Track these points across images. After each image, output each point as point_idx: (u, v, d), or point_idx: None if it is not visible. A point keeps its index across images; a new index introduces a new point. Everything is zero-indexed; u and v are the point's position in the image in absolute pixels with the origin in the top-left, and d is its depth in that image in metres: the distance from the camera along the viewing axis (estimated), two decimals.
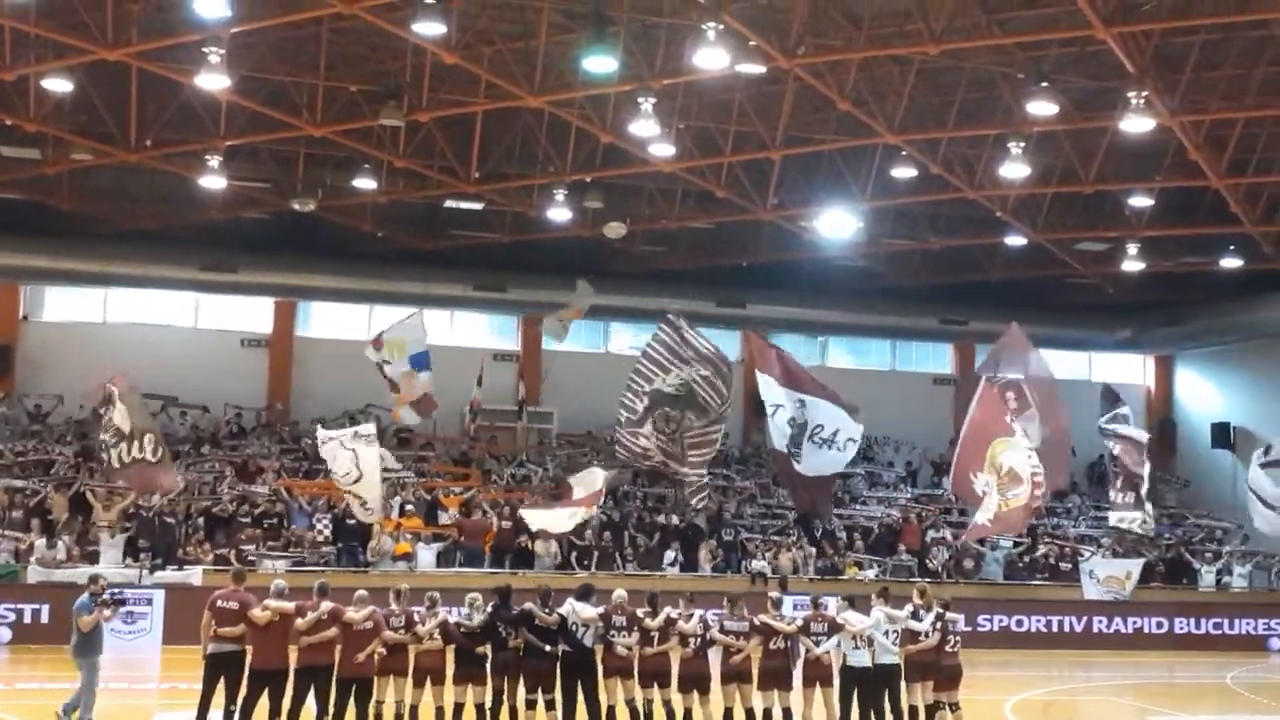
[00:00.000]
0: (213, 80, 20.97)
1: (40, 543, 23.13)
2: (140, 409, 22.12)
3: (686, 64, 20.89)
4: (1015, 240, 30.29)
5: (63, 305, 31.42)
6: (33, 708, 16.26)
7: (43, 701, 17.00)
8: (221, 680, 13.75)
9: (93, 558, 23.28)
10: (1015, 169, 24.15)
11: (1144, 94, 20.42)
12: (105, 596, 14.86)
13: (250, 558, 23.50)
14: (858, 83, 22.51)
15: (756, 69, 21.12)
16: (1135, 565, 28.16)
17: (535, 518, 21.48)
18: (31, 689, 18.44)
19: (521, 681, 14.26)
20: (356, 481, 21.71)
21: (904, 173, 26.09)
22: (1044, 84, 21.27)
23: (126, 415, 21.30)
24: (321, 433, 23.01)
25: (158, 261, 29.82)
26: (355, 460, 21.60)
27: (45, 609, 22.12)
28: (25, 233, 29.11)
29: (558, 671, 14.26)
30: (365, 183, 27.08)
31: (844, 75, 22.17)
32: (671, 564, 26.52)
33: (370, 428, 22.83)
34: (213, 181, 26.67)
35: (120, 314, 31.36)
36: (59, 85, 22.65)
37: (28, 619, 22.06)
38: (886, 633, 14.87)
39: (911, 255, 32.90)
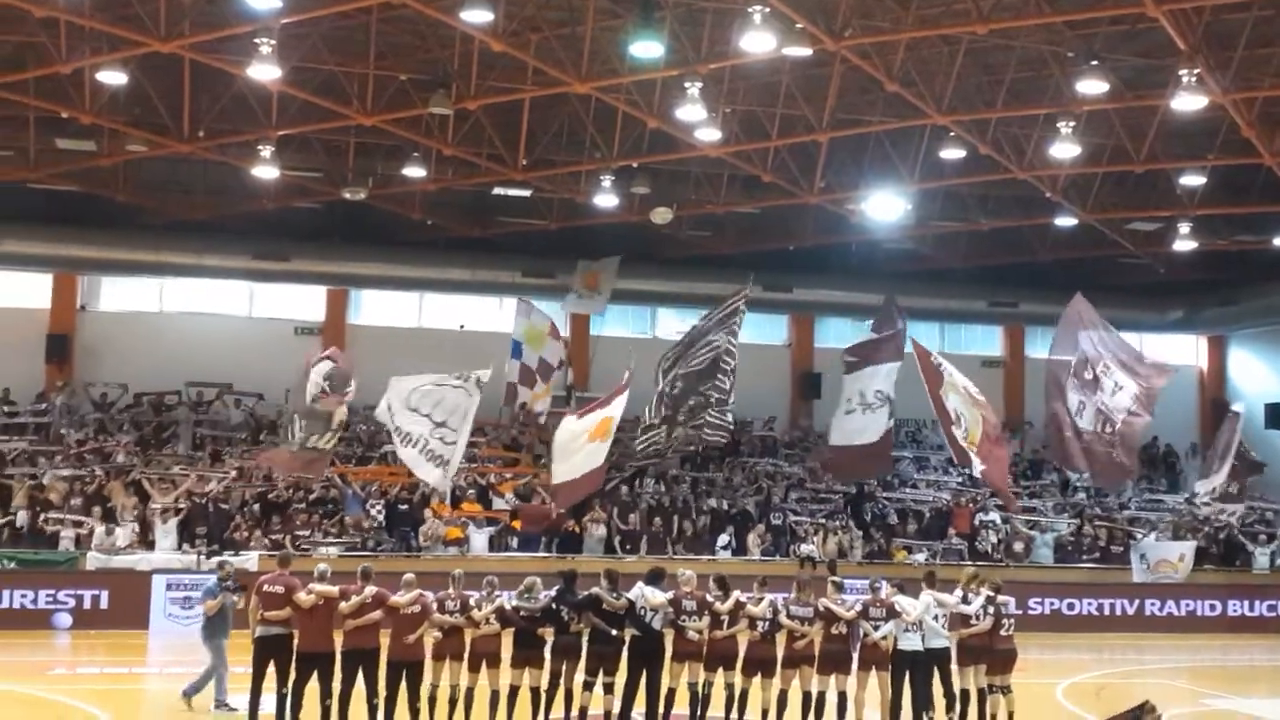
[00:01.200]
0: (264, 71, 21.20)
1: (100, 530, 23.55)
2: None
3: (733, 48, 20.87)
4: (1065, 221, 30.05)
5: (119, 295, 31.88)
6: (94, 692, 16.63)
7: (104, 686, 17.41)
8: (271, 663, 14.00)
9: (151, 545, 23.69)
10: (1065, 149, 23.94)
11: (1195, 71, 20.18)
12: (229, 584, 15.34)
13: (304, 544, 23.82)
14: (905, 63, 22.40)
15: (803, 51, 21.05)
16: (1188, 548, 27.92)
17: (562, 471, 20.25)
18: (92, 673, 18.84)
19: (582, 664, 14.36)
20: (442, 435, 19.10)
21: (952, 154, 25.93)
22: (1094, 62, 21.08)
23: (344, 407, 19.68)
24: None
25: (212, 251, 30.21)
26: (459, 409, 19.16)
27: (105, 595, 22.61)
28: (82, 224, 29.57)
29: (622, 655, 14.33)
30: (415, 171, 27.28)
31: (891, 56, 22.05)
32: (724, 548, 26.61)
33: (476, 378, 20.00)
34: (265, 171, 26.95)
35: (176, 303, 31.80)
36: (113, 78, 22.98)
37: (88, 604, 22.53)
38: (936, 617, 14.92)
39: (960, 237, 32.71)
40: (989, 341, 37.35)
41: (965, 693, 15.03)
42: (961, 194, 29.98)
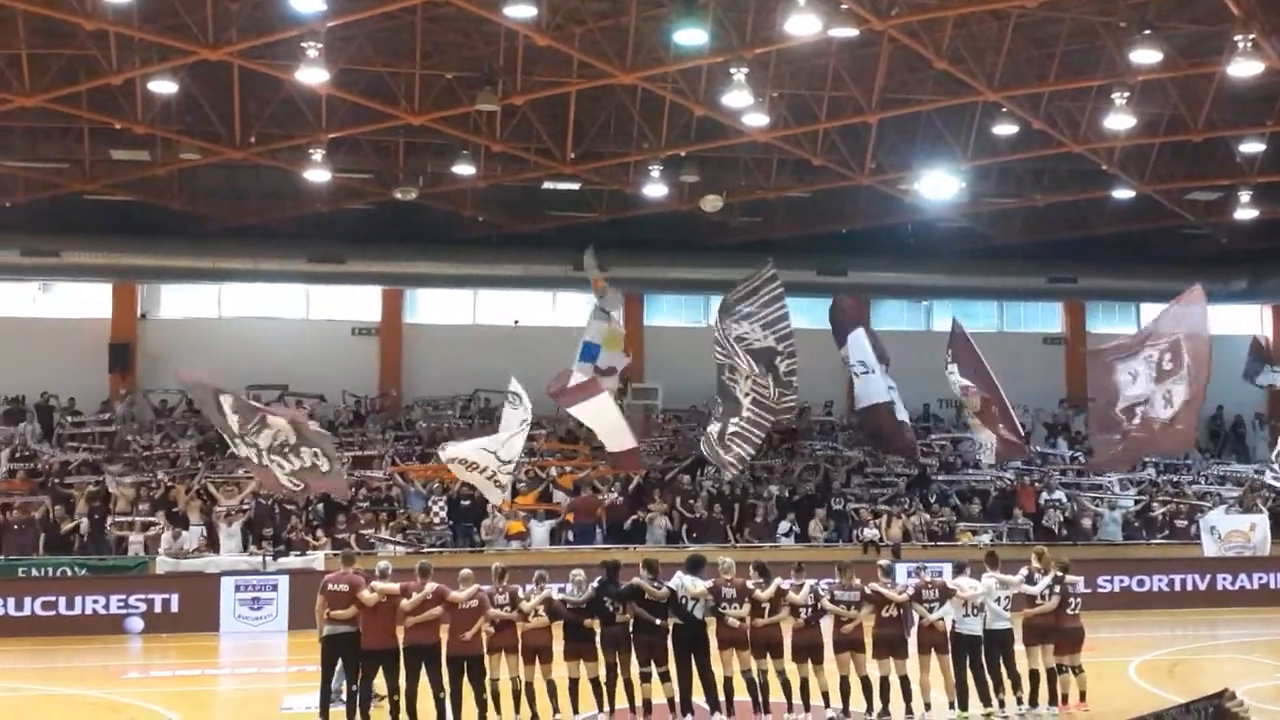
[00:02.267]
0: (312, 74, 21.36)
1: (167, 534, 23.87)
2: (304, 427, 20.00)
3: (777, 31, 20.73)
4: (1123, 193, 29.60)
5: (178, 302, 32.33)
6: (168, 695, 16.86)
7: (177, 689, 17.65)
8: (339, 661, 14.11)
9: (218, 547, 23.98)
10: (1120, 120, 23.59)
11: (1251, 37, 19.80)
12: None
13: (369, 542, 24.00)
14: (954, 40, 22.13)
15: (849, 32, 20.88)
16: (1260, 519, 27.40)
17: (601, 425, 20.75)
18: (164, 676, 19.10)
19: (634, 655, 14.37)
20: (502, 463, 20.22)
21: (1005, 129, 25.60)
22: (1147, 31, 20.72)
23: (293, 431, 19.43)
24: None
25: (267, 255, 30.52)
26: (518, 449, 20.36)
27: (175, 598, 22.90)
28: (139, 233, 29.98)
29: (668, 644, 14.33)
30: (464, 168, 27.38)
31: (940, 33, 21.80)
32: (786, 534, 26.52)
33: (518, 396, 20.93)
34: (317, 175, 27.17)
35: (234, 308, 32.19)
36: (164, 87, 23.23)
37: (159, 608, 22.81)
38: (999, 599, 14.77)
39: (1016, 213, 32.33)
40: (1049, 318, 36.93)
41: (1035, 673, 14.90)
42: (1016, 170, 29.65)
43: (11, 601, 22.25)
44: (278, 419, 18.83)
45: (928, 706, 14.55)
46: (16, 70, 22.65)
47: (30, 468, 26.66)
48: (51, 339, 30.45)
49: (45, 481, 25.87)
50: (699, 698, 14.34)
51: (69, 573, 23.15)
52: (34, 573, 23.01)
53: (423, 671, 13.99)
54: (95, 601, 22.63)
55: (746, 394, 20.12)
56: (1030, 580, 15.05)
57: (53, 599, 22.46)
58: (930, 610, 14.60)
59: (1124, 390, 19.78)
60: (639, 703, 14.33)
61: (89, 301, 31.64)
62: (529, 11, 19.95)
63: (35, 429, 28.51)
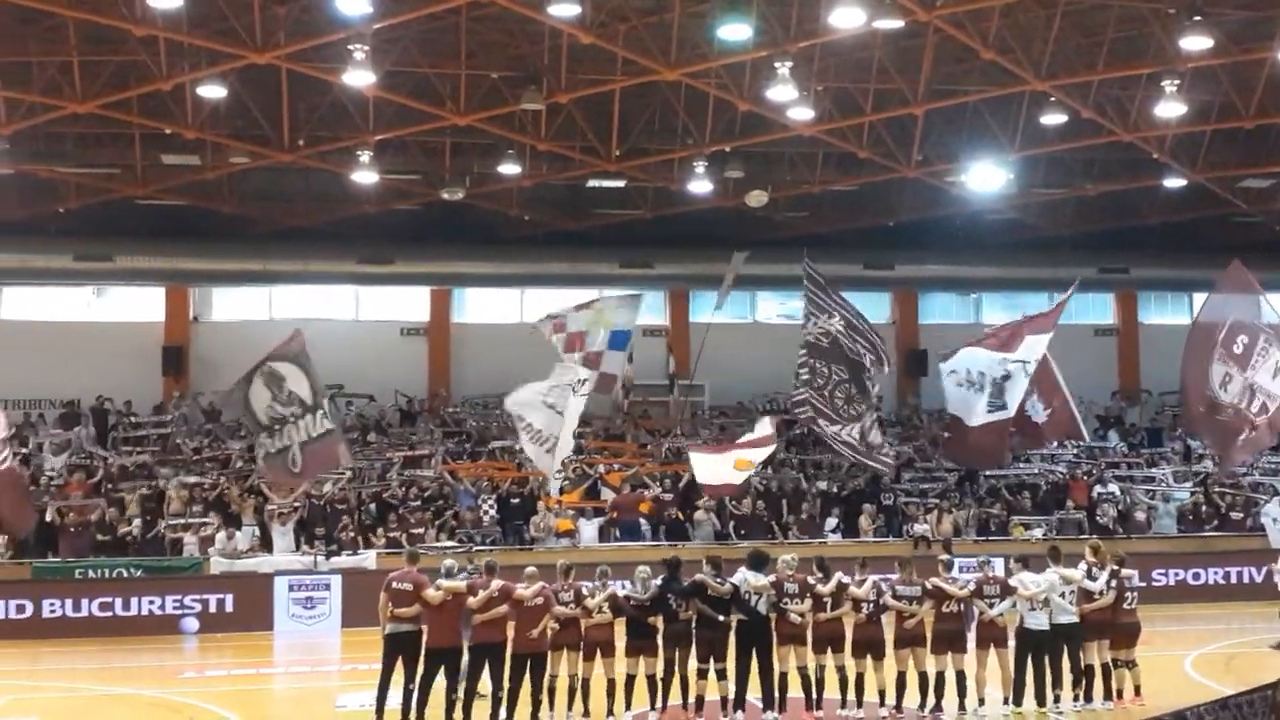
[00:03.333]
0: (359, 77, 21.50)
1: (221, 535, 24.11)
2: (315, 374, 19.90)
3: (822, 24, 20.64)
4: (1174, 181, 29.25)
5: (230, 305, 32.65)
6: (223, 694, 17.03)
7: (231, 688, 17.82)
8: (400, 659, 14.16)
9: (271, 547, 24.21)
10: (1171, 108, 23.30)
11: None
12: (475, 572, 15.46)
13: (419, 542, 24.08)
14: (1001, 30, 21.96)
15: (894, 24, 20.77)
16: None
17: (701, 463, 20.40)
18: (220, 675, 19.29)
19: (693, 651, 14.36)
20: (545, 442, 20.23)
21: (1054, 119, 25.36)
22: (1197, 18, 20.45)
23: (306, 381, 19.43)
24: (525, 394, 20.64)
25: (317, 257, 30.79)
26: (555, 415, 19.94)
27: (229, 598, 23.10)
28: (190, 237, 30.30)
29: (730, 641, 14.31)
30: (510, 168, 27.48)
31: (986, 23, 21.64)
32: (833, 531, 26.40)
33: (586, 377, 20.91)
34: (365, 176, 27.35)
35: (285, 310, 32.41)
36: (213, 91, 23.47)
37: (213, 608, 23.01)
38: (1063, 594, 14.65)
39: (1066, 204, 32.02)
40: (1101, 309, 36.54)
41: (1090, 668, 14.81)
42: (1065, 159, 29.36)
43: (69, 603, 22.51)
44: (284, 364, 19.08)
45: (981, 702, 14.47)
46: (68, 77, 22.96)
47: (87, 467, 26.98)
48: (106, 343, 30.81)
49: (100, 484, 26.19)
50: (753, 695, 14.30)
51: (125, 574, 23.40)
52: (91, 574, 23.27)
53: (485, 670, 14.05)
54: (151, 602, 22.86)
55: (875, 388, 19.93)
56: (1089, 576, 14.93)
57: (109, 600, 22.70)
58: (991, 606, 14.51)
59: (1227, 383, 19.20)
60: (692, 699, 14.32)
61: (142, 305, 32.00)
62: (573, 10, 19.98)
63: (90, 432, 28.88)
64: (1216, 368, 18.92)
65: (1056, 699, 14.60)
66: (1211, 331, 19.17)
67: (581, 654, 14.37)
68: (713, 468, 19.68)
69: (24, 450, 27.70)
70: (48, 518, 24.33)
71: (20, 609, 22.38)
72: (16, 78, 23.06)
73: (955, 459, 25.68)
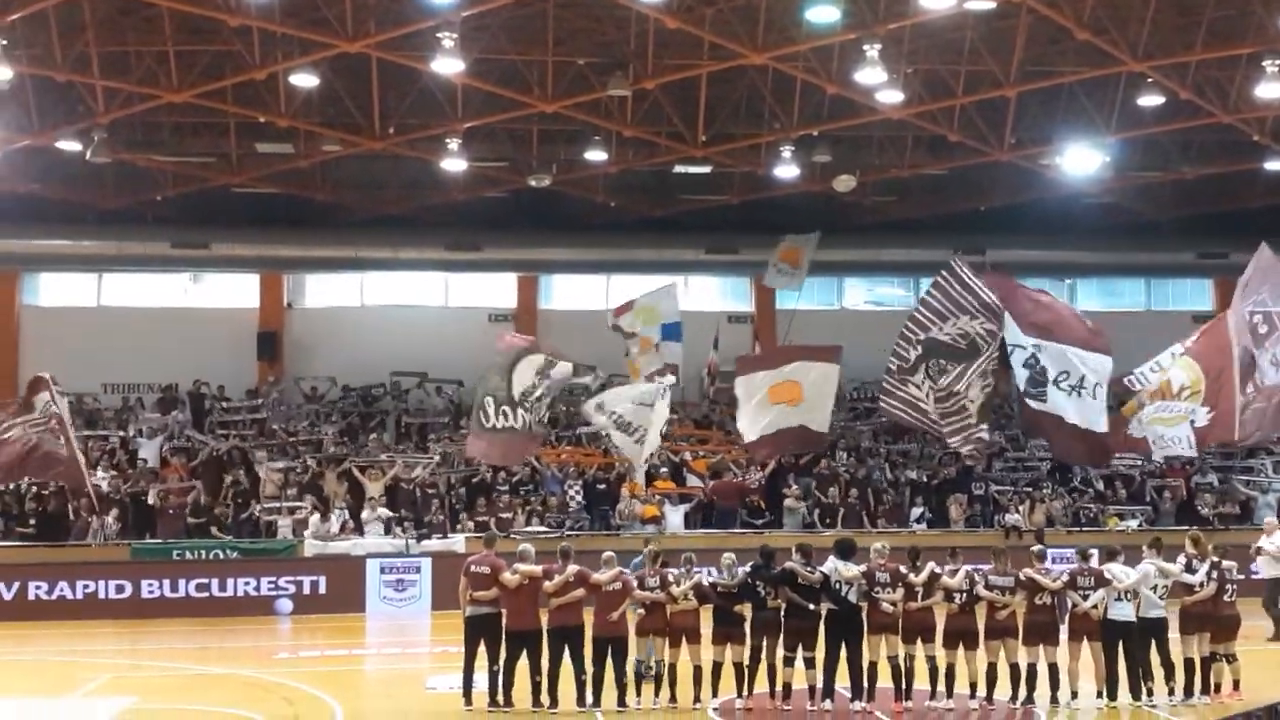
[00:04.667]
0: (448, 65, 21.66)
1: (315, 518, 24.49)
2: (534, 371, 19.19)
3: (912, 6, 20.41)
4: (1275, 164, 28.47)
5: (323, 291, 33.15)
6: (317, 674, 17.28)
7: (323, 668, 18.08)
8: (482, 641, 14.30)
9: (363, 530, 24.53)
10: (1272, 88, 22.61)
11: None
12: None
13: (507, 526, 24.28)
14: (1096, 10, 21.49)
15: (986, 4, 20.45)
16: None
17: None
18: (313, 656, 19.58)
19: (781, 639, 14.31)
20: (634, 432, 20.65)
21: (1150, 100, 24.79)
22: None
23: (530, 374, 18.74)
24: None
25: (407, 244, 31.16)
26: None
27: (322, 580, 23.50)
28: (284, 225, 30.84)
29: (819, 630, 14.23)
30: (596, 154, 27.52)
31: (1081, 3, 21.20)
32: (919, 520, 26.14)
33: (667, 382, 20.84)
34: (453, 164, 27.55)
35: (375, 296, 32.88)
36: (306, 80, 23.81)
37: (306, 590, 23.42)
38: (1155, 587, 14.35)
39: (1163, 187, 31.32)
40: (1199, 296, 35.69)
41: (1190, 661, 14.51)
42: (1162, 142, 28.70)
43: (167, 583, 23.06)
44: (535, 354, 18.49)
45: (1074, 695, 14.24)
46: (165, 67, 23.41)
47: (186, 450, 27.55)
48: (202, 328, 31.44)
49: (196, 467, 26.73)
50: (841, 684, 14.21)
51: (221, 555, 23.91)
52: (188, 556, 23.81)
53: (565, 653, 14.12)
54: (246, 583, 23.32)
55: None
56: (1189, 568, 14.62)
57: (206, 581, 23.23)
58: (1084, 597, 14.27)
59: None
60: (779, 687, 14.27)
61: (238, 292, 32.61)
62: None
63: (187, 416, 29.49)
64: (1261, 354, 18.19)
65: (1149, 693, 14.32)
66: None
67: (667, 640, 14.37)
68: (756, 420, 18.71)
69: (121, 433, 28.43)
70: (150, 500, 24.94)
71: (120, 589, 22.98)
72: (115, 68, 23.55)
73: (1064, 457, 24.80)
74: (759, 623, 14.31)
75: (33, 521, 24.56)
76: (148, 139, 27.77)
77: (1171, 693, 14.42)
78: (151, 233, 30.34)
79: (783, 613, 14.29)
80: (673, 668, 14.38)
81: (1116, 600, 14.24)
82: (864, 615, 14.30)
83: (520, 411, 18.37)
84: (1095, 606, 14.23)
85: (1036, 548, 15.27)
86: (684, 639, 14.39)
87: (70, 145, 26.13)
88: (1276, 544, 19.60)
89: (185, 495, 25.23)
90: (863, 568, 14.35)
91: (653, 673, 14.49)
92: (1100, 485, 27.85)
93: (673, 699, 14.35)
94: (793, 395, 17.61)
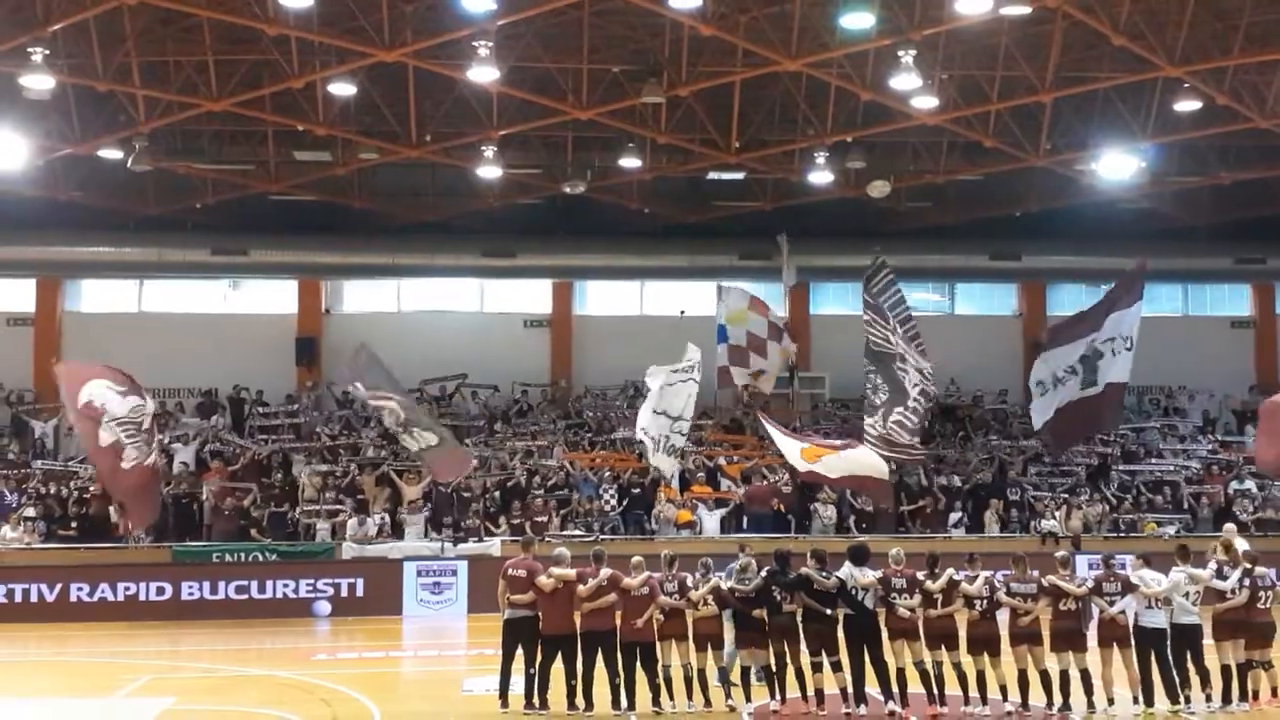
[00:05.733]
0: (483, 73, 21.85)
1: (353, 521, 24.70)
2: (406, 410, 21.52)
3: (947, 11, 20.42)
4: None
5: (360, 297, 33.40)
6: (354, 676, 17.45)
7: (361, 670, 18.25)
8: (520, 644, 14.42)
9: (401, 533, 24.74)
10: None
11: None
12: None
13: (542, 530, 24.38)
14: (1132, 15, 21.43)
15: (1022, 10, 20.41)
16: None
17: (780, 439, 19.36)
18: (351, 658, 19.76)
19: (804, 644, 14.36)
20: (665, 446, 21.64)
21: (1187, 106, 24.66)
22: None
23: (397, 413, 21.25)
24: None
25: (443, 251, 31.38)
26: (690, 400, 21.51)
27: (360, 583, 23.68)
28: (322, 231, 31.11)
29: (839, 634, 14.28)
30: (630, 161, 27.62)
31: (1117, 8, 21.15)
32: (956, 525, 26.07)
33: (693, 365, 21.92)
34: (489, 171, 27.75)
35: (412, 303, 33.09)
36: (343, 89, 24.07)
37: (344, 592, 23.61)
38: (1187, 594, 14.29)
39: (1200, 192, 31.12)
40: (1237, 301, 35.41)
41: (1226, 668, 14.43)
42: (1200, 147, 28.51)
43: (206, 585, 23.30)
44: (388, 401, 20.25)
45: (1111, 701, 14.19)
46: (204, 76, 23.72)
47: (224, 454, 27.83)
48: (241, 334, 31.77)
49: (236, 472, 27.00)
50: (872, 688, 14.24)
51: (260, 558, 24.14)
52: (227, 558, 24.05)
53: (598, 657, 14.22)
54: (285, 585, 23.53)
55: (915, 385, 19.64)
56: (1220, 574, 14.54)
57: (245, 583, 23.43)
58: (1111, 604, 14.22)
59: None
60: (810, 692, 14.31)
61: (276, 298, 32.92)
62: (694, 2, 20.02)
63: (226, 421, 29.79)
64: None
65: (1187, 699, 14.26)
66: None
67: (691, 644, 14.44)
68: (787, 445, 19.13)
69: (161, 436, 28.71)
70: (204, 497, 25.29)
71: (160, 591, 23.23)
72: (155, 77, 23.88)
73: (1056, 445, 25.24)
74: (776, 627, 14.37)
75: (74, 524, 24.90)
76: (187, 147, 28.10)
77: (1209, 699, 14.36)
78: (191, 240, 30.70)
79: (799, 617, 14.33)
80: (701, 673, 14.43)
81: (1148, 608, 14.19)
82: (881, 620, 14.32)
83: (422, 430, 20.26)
84: (1122, 613, 14.18)
85: (1061, 554, 15.22)
86: (708, 644, 14.46)
87: (111, 154, 26.51)
88: None
89: (241, 497, 25.44)
90: (879, 573, 14.37)
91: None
92: (1139, 491, 27.69)
93: (707, 703, 14.38)
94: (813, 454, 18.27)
